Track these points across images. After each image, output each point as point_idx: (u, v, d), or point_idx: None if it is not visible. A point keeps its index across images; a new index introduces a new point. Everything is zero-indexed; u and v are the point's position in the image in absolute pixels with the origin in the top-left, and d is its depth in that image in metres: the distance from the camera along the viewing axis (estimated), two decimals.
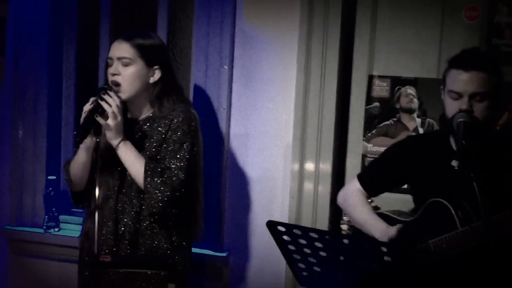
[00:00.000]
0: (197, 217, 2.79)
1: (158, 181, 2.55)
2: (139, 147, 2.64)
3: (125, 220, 2.66)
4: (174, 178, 2.58)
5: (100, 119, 2.53)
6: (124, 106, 2.68)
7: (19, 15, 3.51)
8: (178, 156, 2.62)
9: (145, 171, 2.56)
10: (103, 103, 2.53)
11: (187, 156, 2.62)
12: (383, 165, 2.60)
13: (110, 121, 2.54)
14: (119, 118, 2.55)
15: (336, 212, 3.18)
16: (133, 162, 2.59)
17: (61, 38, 3.59)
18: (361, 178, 2.62)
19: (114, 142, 2.57)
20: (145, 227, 2.66)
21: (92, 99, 2.58)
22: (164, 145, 2.65)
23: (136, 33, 2.70)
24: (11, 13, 3.52)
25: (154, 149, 2.65)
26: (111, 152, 2.63)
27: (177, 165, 2.60)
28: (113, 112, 2.53)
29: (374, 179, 2.60)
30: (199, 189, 2.77)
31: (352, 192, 2.60)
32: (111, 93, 2.56)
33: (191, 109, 2.75)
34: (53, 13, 3.52)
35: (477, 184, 2.02)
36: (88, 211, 2.76)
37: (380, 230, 2.39)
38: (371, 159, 3.12)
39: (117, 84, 2.62)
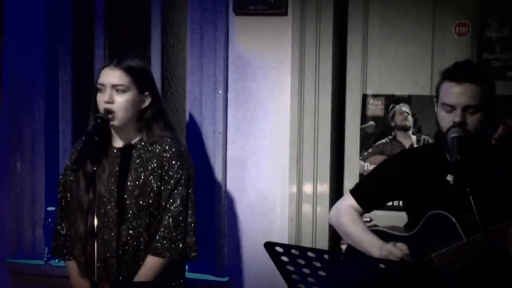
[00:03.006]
0: (188, 241, 2.77)
1: (179, 245, 2.67)
2: (130, 175, 2.64)
3: (127, 249, 2.66)
4: (190, 221, 2.67)
5: None
6: (108, 132, 2.67)
7: (15, 49, 3.55)
8: (178, 195, 2.65)
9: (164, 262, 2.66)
10: None
11: (186, 192, 2.67)
12: (377, 180, 2.58)
13: None
14: None
15: (335, 232, 3.17)
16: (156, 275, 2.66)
17: (57, 68, 3.61)
18: (354, 193, 2.58)
19: None
20: (140, 255, 2.67)
21: (90, 126, 2.59)
22: (162, 176, 2.64)
23: (126, 58, 2.69)
24: (6, 52, 3.56)
25: (149, 179, 2.65)
26: (108, 181, 2.63)
27: (179, 204, 2.65)
28: None
29: (369, 194, 2.56)
30: (193, 216, 2.76)
31: (346, 210, 2.55)
32: None
33: (178, 136, 2.77)
34: (48, 45, 3.55)
35: (473, 198, 2.02)
36: (76, 234, 2.74)
37: (377, 247, 2.37)
38: None
39: (111, 112, 2.62)
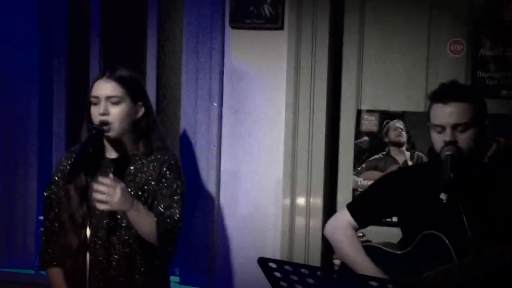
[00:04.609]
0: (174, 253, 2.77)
1: (167, 233, 2.58)
2: (127, 186, 2.63)
3: (117, 261, 2.65)
4: (177, 221, 2.61)
5: (100, 206, 2.46)
6: (102, 143, 2.66)
7: (8, 58, 3.55)
8: (175, 199, 2.63)
9: (158, 229, 2.57)
10: (96, 195, 2.46)
11: (181, 196, 2.64)
12: (374, 196, 2.59)
13: (112, 205, 2.47)
14: (119, 193, 2.45)
15: (328, 246, 3.18)
16: (144, 223, 2.57)
17: (52, 80, 3.61)
18: (351, 208, 2.59)
19: (125, 210, 2.53)
20: (135, 267, 2.66)
21: (84, 138, 2.59)
22: (158, 186, 2.64)
23: (117, 69, 2.68)
24: None
25: (144, 190, 2.65)
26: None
27: (176, 209, 2.62)
28: (110, 195, 2.45)
29: (365, 210, 2.58)
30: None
31: (342, 226, 2.57)
32: (99, 179, 2.48)
33: (169, 147, 2.77)
34: (42, 56, 3.56)
35: (466, 217, 2.03)
36: (69, 247, 2.72)
37: (370, 273, 2.38)
38: None
39: (107, 124, 2.61)
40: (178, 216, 2.61)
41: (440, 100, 2.32)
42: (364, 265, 2.43)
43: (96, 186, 2.46)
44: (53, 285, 2.76)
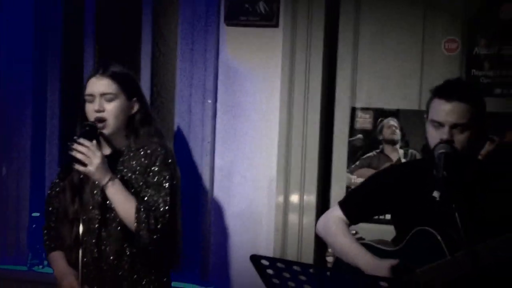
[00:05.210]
0: (175, 247, 2.76)
1: (147, 219, 2.54)
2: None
3: (107, 254, 2.65)
4: (161, 211, 2.57)
5: (79, 167, 2.50)
6: (98, 140, 2.64)
7: (2, 55, 3.53)
8: (161, 189, 2.61)
9: (136, 211, 2.54)
10: (74, 153, 2.49)
11: (169, 189, 2.62)
12: (366, 193, 2.58)
13: (90, 167, 2.50)
14: (98, 159, 2.50)
15: (321, 244, 3.18)
16: (122, 201, 2.55)
17: (46, 77, 3.59)
18: (342, 205, 2.58)
19: (102, 182, 2.54)
20: (125, 261, 2.65)
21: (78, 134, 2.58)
22: (144, 178, 2.64)
23: (110, 66, 2.69)
24: None
25: (133, 182, 2.64)
26: (93, 189, 2.63)
27: (160, 198, 2.59)
28: (89, 158, 2.50)
29: (357, 207, 2.57)
30: (178, 221, 2.74)
31: (334, 220, 2.55)
32: (80, 140, 2.51)
33: (165, 142, 2.76)
34: (37, 52, 3.55)
35: (459, 215, 2.03)
36: (63, 243, 2.73)
37: (366, 260, 2.37)
38: None
39: (103, 120, 2.61)
40: (162, 204, 2.58)
41: (443, 96, 2.29)
42: (359, 254, 2.41)
43: (76, 145, 2.49)
44: (55, 263, 2.75)
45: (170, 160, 2.68)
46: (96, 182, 2.57)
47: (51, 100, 3.62)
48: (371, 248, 2.46)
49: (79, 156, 2.48)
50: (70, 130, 2.75)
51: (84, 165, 2.49)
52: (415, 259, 2.31)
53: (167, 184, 2.62)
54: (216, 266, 3.30)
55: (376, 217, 2.95)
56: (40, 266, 3.50)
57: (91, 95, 2.63)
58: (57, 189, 2.77)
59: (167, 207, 2.59)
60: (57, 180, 2.78)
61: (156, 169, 2.63)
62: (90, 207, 2.65)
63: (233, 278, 3.28)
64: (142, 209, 2.54)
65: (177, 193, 2.71)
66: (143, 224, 2.53)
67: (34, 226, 3.45)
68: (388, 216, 2.80)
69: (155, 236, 2.55)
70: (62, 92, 3.62)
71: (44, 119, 3.61)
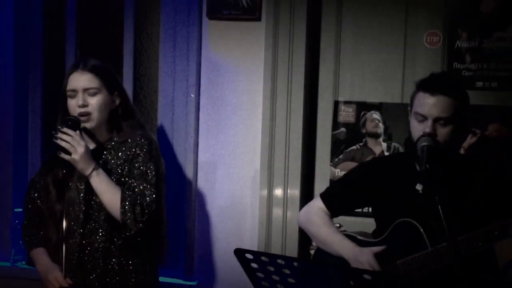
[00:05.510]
0: (162, 238, 2.77)
1: (133, 208, 2.54)
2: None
3: (94, 246, 2.64)
4: (147, 199, 2.58)
5: (64, 155, 2.50)
6: (81, 134, 2.66)
7: None
8: (146, 178, 2.61)
9: (122, 200, 2.54)
10: (59, 142, 2.50)
11: (154, 178, 2.63)
12: (347, 185, 2.59)
13: (74, 156, 2.51)
14: (82, 148, 2.51)
15: (305, 237, 3.19)
16: (107, 190, 2.56)
17: (27, 73, 3.57)
18: (324, 197, 2.59)
19: (86, 172, 2.55)
20: (112, 252, 2.65)
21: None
22: (129, 169, 2.63)
23: (90, 60, 2.69)
24: None
25: (119, 175, 2.64)
26: (75, 176, 2.63)
27: (146, 187, 2.60)
28: (73, 146, 2.50)
29: (338, 199, 2.58)
30: (163, 210, 2.75)
31: (316, 212, 2.56)
32: (64, 129, 2.52)
33: (149, 133, 2.76)
34: (18, 48, 3.53)
35: (442, 207, 2.05)
36: (48, 240, 2.72)
37: (349, 250, 2.38)
38: None
39: (87, 115, 2.61)
40: (148, 193, 2.59)
41: (427, 90, 2.31)
42: (342, 243, 2.43)
43: (60, 134, 2.50)
44: (37, 259, 2.74)
45: (154, 151, 2.68)
46: (81, 173, 2.57)
47: (33, 97, 3.59)
48: (354, 239, 2.47)
49: (63, 144, 2.50)
50: (52, 126, 2.73)
51: (69, 153, 2.50)
52: (397, 251, 2.33)
53: (152, 173, 2.63)
54: (201, 260, 3.30)
55: (360, 210, 2.97)
56: (23, 262, 3.48)
57: (74, 90, 2.63)
58: (37, 186, 2.76)
59: (154, 196, 2.60)
60: (37, 179, 2.78)
61: (141, 159, 2.64)
62: (74, 202, 2.64)
63: (218, 272, 3.29)
64: (127, 198, 2.54)
65: (162, 183, 2.71)
66: (129, 214, 2.53)
67: (16, 221, 3.42)
68: (370, 209, 2.81)
69: (141, 225, 2.55)
70: (44, 87, 3.60)
71: (26, 115, 3.59)
